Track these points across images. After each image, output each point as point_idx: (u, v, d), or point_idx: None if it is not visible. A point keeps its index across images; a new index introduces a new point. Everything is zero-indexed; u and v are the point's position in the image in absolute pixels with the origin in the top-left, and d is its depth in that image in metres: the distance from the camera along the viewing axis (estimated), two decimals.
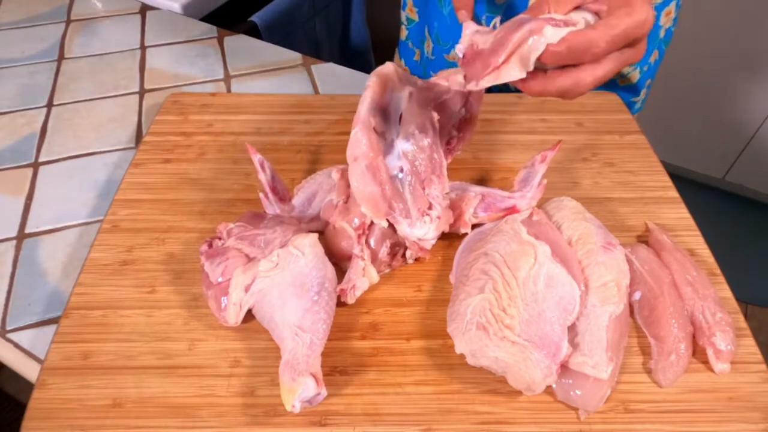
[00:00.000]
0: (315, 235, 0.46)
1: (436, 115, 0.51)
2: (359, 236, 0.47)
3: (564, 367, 0.41)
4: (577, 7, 0.40)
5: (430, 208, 0.48)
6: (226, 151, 0.61)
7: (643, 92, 0.79)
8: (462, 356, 0.41)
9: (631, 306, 0.47)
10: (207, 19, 0.96)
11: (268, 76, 0.78)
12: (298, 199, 0.53)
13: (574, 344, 0.42)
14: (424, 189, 0.48)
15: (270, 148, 0.61)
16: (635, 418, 0.41)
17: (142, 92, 0.76)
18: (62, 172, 0.64)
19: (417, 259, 0.51)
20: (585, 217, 0.50)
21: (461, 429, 0.41)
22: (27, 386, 0.44)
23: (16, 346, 0.49)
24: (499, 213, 0.51)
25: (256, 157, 0.52)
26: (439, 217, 0.48)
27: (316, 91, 0.75)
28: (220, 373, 0.43)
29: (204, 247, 0.48)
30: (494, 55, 0.38)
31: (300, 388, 0.38)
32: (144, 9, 0.92)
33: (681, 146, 1.71)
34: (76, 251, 0.56)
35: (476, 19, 0.70)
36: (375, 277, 0.47)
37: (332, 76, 0.78)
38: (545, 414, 0.41)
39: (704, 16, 1.46)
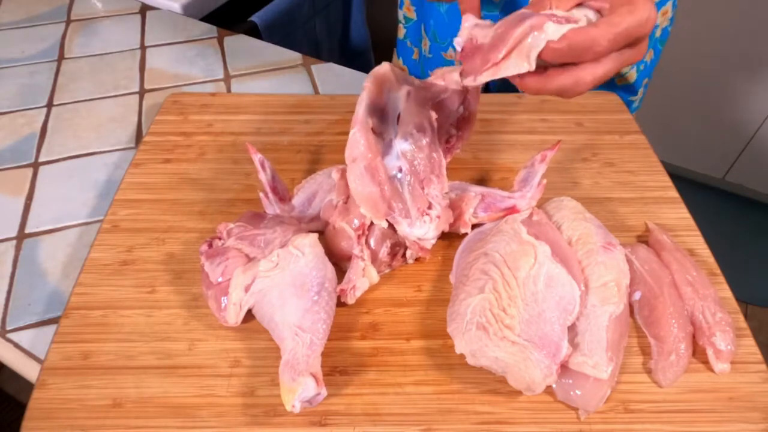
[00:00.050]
0: (315, 235, 0.46)
1: (434, 115, 0.51)
2: (359, 236, 0.47)
3: (564, 367, 0.41)
4: (579, 4, 0.39)
5: (429, 207, 0.48)
6: (226, 151, 0.61)
7: (640, 91, 0.79)
8: (462, 356, 0.41)
9: (631, 306, 0.47)
10: (207, 19, 0.96)
11: (268, 76, 0.78)
12: (298, 199, 0.53)
13: (574, 344, 0.42)
14: (423, 188, 0.48)
15: (270, 148, 0.61)
16: (635, 418, 0.41)
17: (142, 92, 0.76)
18: (62, 172, 0.64)
19: (417, 259, 0.51)
20: (585, 217, 0.50)
21: (461, 429, 0.41)
22: (27, 386, 0.44)
23: (16, 346, 0.49)
24: (499, 213, 0.51)
25: (257, 157, 0.52)
26: (438, 217, 0.48)
27: (316, 91, 0.75)
28: (220, 373, 0.43)
29: (204, 247, 0.48)
30: (494, 50, 0.38)
31: (300, 388, 0.38)
32: (144, 9, 0.92)
33: (681, 146, 1.71)
34: (76, 251, 0.56)
35: None
36: (375, 277, 0.47)
37: (332, 76, 0.78)
38: (545, 414, 0.41)
39: (704, 15, 1.46)
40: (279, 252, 0.44)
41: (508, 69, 0.38)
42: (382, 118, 0.49)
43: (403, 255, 0.49)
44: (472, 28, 0.41)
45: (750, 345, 0.45)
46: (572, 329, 0.43)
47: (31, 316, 0.51)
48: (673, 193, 0.57)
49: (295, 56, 0.82)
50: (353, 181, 0.46)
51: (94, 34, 0.87)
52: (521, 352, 0.40)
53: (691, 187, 1.73)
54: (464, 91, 0.53)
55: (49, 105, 0.73)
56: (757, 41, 1.45)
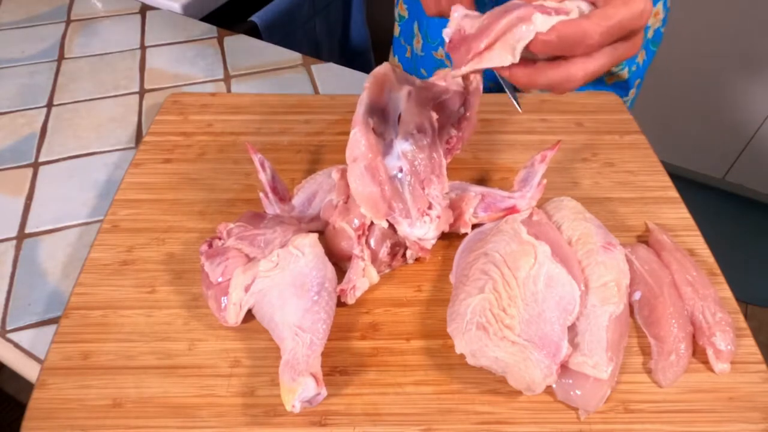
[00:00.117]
0: (315, 235, 0.46)
1: (435, 115, 0.51)
2: (359, 236, 0.47)
3: (564, 367, 0.41)
4: None
5: (429, 207, 0.48)
6: (226, 151, 0.61)
7: (632, 92, 0.78)
8: (462, 356, 0.41)
9: (631, 306, 0.47)
10: (207, 19, 0.96)
11: (268, 76, 0.78)
12: (298, 199, 0.53)
13: (574, 344, 0.42)
14: (423, 189, 0.48)
15: (270, 148, 0.61)
16: (635, 418, 0.41)
17: (142, 92, 0.76)
18: (62, 172, 0.64)
19: (417, 259, 0.51)
20: (585, 217, 0.50)
21: (461, 429, 0.41)
22: (27, 386, 0.44)
23: (16, 346, 0.49)
24: (499, 213, 0.51)
25: (257, 157, 0.52)
26: (438, 217, 0.48)
27: (316, 91, 0.75)
28: (220, 373, 0.43)
29: (204, 247, 0.48)
30: (477, 40, 0.37)
31: (300, 388, 0.38)
32: (144, 9, 0.92)
33: (681, 146, 1.71)
34: (76, 251, 0.56)
35: None
36: (375, 277, 0.48)
37: (332, 76, 0.78)
38: (545, 414, 0.41)
39: (704, 15, 1.46)
40: (279, 252, 0.44)
41: (492, 60, 0.36)
42: (383, 118, 0.49)
43: (403, 255, 0.49)
44: (461, 18, 0.39)
45: (750, 345, 0.45)
46: (572, 329, 0.43)
47: (31, 316, 0.51)
48: (673, 193, 0.57)
49: (295, 56, 0.82)
50: (354, 181, 0.46)
51: (94, 34, 0.87)
52: (521, 352, 0.40)
53: (691, 187, 1.74)
54: (465, 92, 0.53)
55: (49, 105, 0.73)
56: (757, 41, 1.45)
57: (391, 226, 0.47)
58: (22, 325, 0.50)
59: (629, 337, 0.45)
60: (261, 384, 0.43)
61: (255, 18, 1.06)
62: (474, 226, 0.51)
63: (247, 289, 0.44)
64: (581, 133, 0.63)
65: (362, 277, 0.47)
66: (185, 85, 0.77)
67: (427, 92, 0.52)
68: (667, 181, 0.58)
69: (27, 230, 0.58)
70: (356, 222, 0.47)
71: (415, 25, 0.80)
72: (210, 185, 0.58)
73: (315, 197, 0.53)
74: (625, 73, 0.75)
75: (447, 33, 0.40)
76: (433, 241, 0.49)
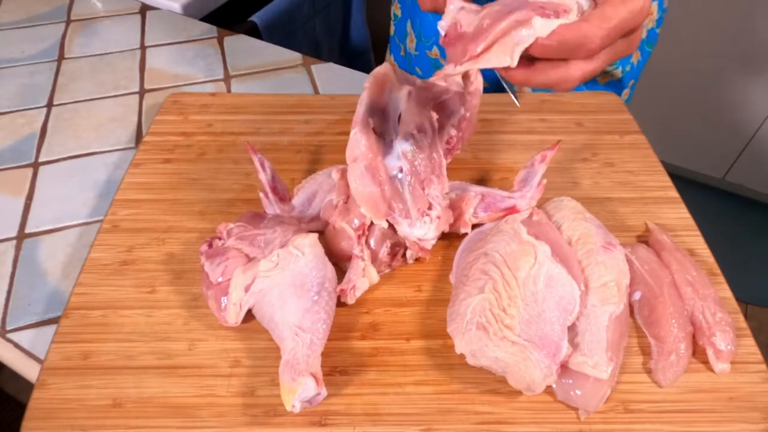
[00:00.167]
0: (315, 235, 0.46)
1: (435, 115, 0.51)
2: (359, 237, 0.47)
3: (564, 367, 0.41)
4: None
5: (429, 208, 0.48)
6: (226, 151, 0.61)
7: (626, 92, 0.78)
8: (462, 356, 0.41)
9: (631, 306, 0.47)
10: (207, 19, 0.96)
11: (268, 76, 0.78)
12: (298, 199, 0.53)
13: (574, 344, 0.42)
14: (423, 189, 0.48)
15: (270, 148, 0.61)
16: (635, 418, 0.41)
17: (142, 92, 0.76)
18: (62, 172, 0.64)
19: (417, 259, 0.51)
20: (585, 217, 0.50)
21: (461, 429, 0.41)
22: (27, 386, 0.44)
23: (16, 346, 0.49)
24: (499, 213, 0.51)
25: (257, 157, 0.52)
26: (438, 217, 0.48)
27: (316, 91, 0.75)
28: (220, 373, 0.43)
29: (204, 247, 0.48)
30: (474, 42, 0.36)
31: (300, 388, 0.38)
32: (144, 9, 0.92)
33: (681, 146, 1.71)
34: (76, 251, 0.56)
35: None
36: (375, 277, 0.48)
37: (332, 76, 0.78)
38: (545, 414, 0.41)
39: (704, 15, 1.46)
40: (279, 252, 0.44)
41: (489, 62, 0.36)
42: (383, 118, 0.49)
43: (403, 255, 0.49)
44: (457, 11, 0.38)
45: (750, 345, 0.45)
46: (572, 329, 0.43)
47: (31, 316, 0.51)
48: (673, 193, 0.57)
49: (295, 56, 0.82)
50: (354, 181, 0.46)
51: (94, 34, 0.87)
52: (521, 352, 0.40)
53: (691, 187, 1.74)
54: (465, 92, 0.53)
55: (49, 105, 0.73)
56: (756, 41, 1.45)
57: (391, 226, 0.47)
58: (22, 325, 0.50)
59: (629, 337, 0.45)
60: (261, 384, 0.43)
61: (255, 18, 1.06)
62: (474, 226, 0.51)
63: (247, 289, 0.44)
64: (581, 133, 0.63)
65: (362, 277, 0.47)
66: (185, 85, 0.77)
67: (427, 92, 0.52)
68: (667, 181, 0.58)
69: (27, 230, 0.58)
70: (356, 222, 0.47)
71: (408, 24, 0.80)
72: (210, 185, 0.58)
73: (315, 197, 0.53)
74: (618, 72, 0.75)
75: (442, 26, 0.39)
76: (433, 242, 0.49)
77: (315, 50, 1.27)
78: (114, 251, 0.51)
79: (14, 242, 0.57)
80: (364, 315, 0.47)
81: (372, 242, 0.48)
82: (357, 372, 0.43)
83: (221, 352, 0.44)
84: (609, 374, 0.41)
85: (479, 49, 0.36)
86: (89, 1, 0.94)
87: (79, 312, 0.47)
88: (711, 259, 0.51)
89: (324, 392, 0.39)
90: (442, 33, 0.38)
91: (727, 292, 0.49)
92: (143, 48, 0.84)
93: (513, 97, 0.62)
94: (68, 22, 0.89)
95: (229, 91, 0.76)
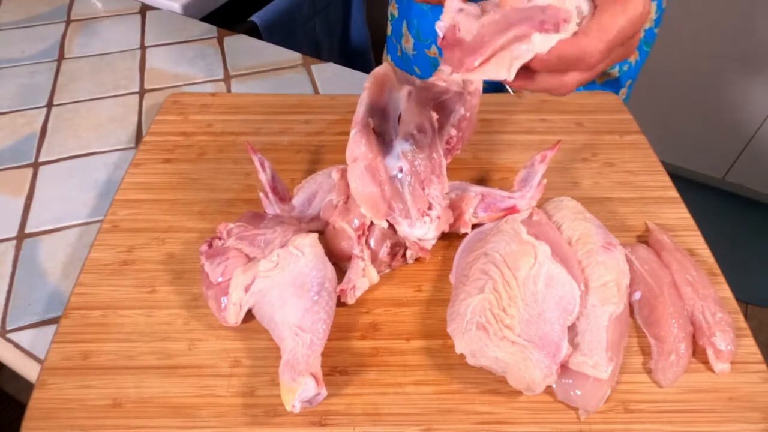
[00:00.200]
0: (315, 235, 0.46)
1: (435, 115, 0.51)
2: (359, 236, 0.47)
3: (564, 367, 0.41)
4: None
5: (429, 208, 0.48)
6: (226, 151, 0.61)
7: (623, 92, 0.78)
8: (462, 356, 0.41)
9: (631, 306, 0.47)
10: (207, 19, 0.96)
11: (268, 76, 0.78)
12: (298, 199, 0.53)
13: (574, 344, 0.42)
14: (423, 189, 0.48)
15: (270, 148, 0.61)
16: (635, 418, 0.41)
17: (142, 92, 0.76)
18: (62, 172, 0.64)
19: (417, 259, 0.51)
20: (585, 217, 0.50)
21: (461, 429, 0.41)
22: (27, 386, 0.44)
23: (16, 346, 0.49)
24: (499, 213, 0.51)
25: (257, 157, 0.52)
26: (438, 217, 0.48)
27: (316, 91, 0.75)
28: (220, 373, 0.43)
29: (204, 247, 0.48)
30: (472, 55, 0.36)
31: (300, 388, 0.38)
32: (144, 9, 0.92)
33: (681, 146, 1.71)
34: (76, 251, 0.56)
35: None
36: (375, 277, 0.48)
37: (332, 76, 0.78)
38: (545, 414, 0.41)
39: (705, 15, 1.46)
40: (279, 252, 0.44)
41: (486, 74, 0.36)
42: (383, 118, 0.49)
43: (403, 255, 0.49)
44: (455, 13, 0.37)
45: (750, 345, 0.45)
46: (572, 329, 0.43)
47: (31, 316, 0.51)
48: (673, 193, 0.57)
49: (295, 56, 0.82)
50: (354, 181, 0.46)
51: (94, 34, 0.87)
52: (521, 352, 0.40)
53: (691, 187, 1.73)
54: (465, 92, 0.53)
55: (49, 105, 0.73)
56: (756, 41, 1.45)
57: (391, 226, 0.47)
58: (22, 325, 0.50)
59: (629, 337, 0.45)
60: (261, 384, 0.43)
61: (255, 18, 1.06)
62: (474, 226, 0.51)
63: (247, 289, 0.44)
64: (581, 133, 0.63)
65: (362, 277, 0.47)
66: (185, 85, 0.77)
67: (427, 92, 0.52)
68: (667, 181, 0.58)
69: (27, 230, 0.58)
70: (356, 222, 0.47)
71: (404, 25, 0.80)
72: (210, 185, 0.58)
73: (315, 197, 0.53)
74: (616, 72, 0.75)
75: (440, 27, 0.38)
76: (433, 242, 0.49)
77: (315, 50, 1.27)
78: (114, 251, 0.51)
79: (14, 242, 0.57)
80: (364, 315, 0.47)
81: (372, 242, 0.48)
82: (357, 372, 0.43)
83: (221, 352, 0.44)
84: (609, 374, 0.41)
85: (476, 63, 0.36)
86: (89, 1, 0.94)
87: (79, 312, 0.47)
88: (711, 259, 0.51)
89: (324, 392, 0.39)
90: (440, 34, 0.38)
91: (727, 292, 0.49)
92: (143, 48, 0.84)
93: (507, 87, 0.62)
94: (68, 22, 0.89)
95: (229, 91, 0.76)
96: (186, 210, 0.55)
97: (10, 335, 0.50)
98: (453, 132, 0.55)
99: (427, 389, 0.42)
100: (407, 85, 0.51)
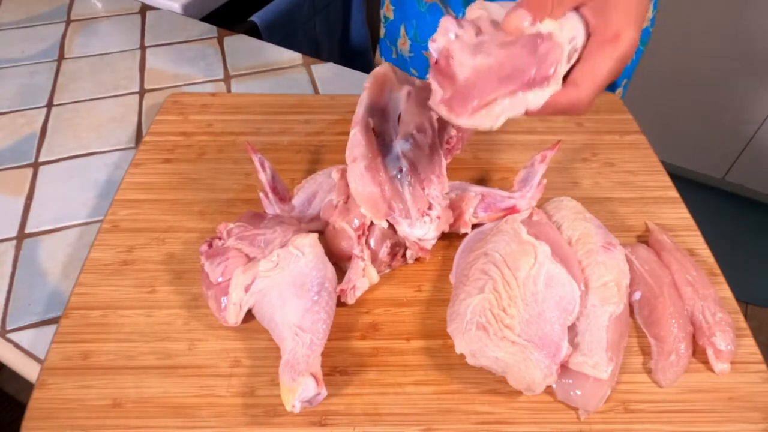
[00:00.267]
0: (315, 235, 0.46)
1: (435, 115, 0.51)
2: (359, 237, 0.47)
3: (564, 367, 0.41)
4: (576, 7, 0.38)
5: (429, 208, 0.48)
6: (226, 151, 0.61)
7: (619, 91, 0.79)
8: (462, 356, 0.41)
9: (631, 306, 0.47)
10: (207, 19, 0.96)
11: (268, 76, 0.78)
12: (298, 199, 0.53)
13: (574, 344, 0.42)
14: (423, 189, 0.48)
15: (270, 148, 0.61)
16: (635, 418, 0.41)
17: (142, 92, 0.76)
18: (62, 172, 0.64)
19: (417, 259, 0.51)
20: (585, 217, 0.50)
21: (461, 429, 0.41)
22: (27, 386, 0.44)
23: (16, 346, 0.49)
24: (499, 213, 0.51)
25: (257, 157, 0.52)
26: (438, 217, 0.48)
27: (316, 91, 0.75)
28: (220, 373, 0.43)
29: (204, 247, 0.48)
30: (462, 102, 0.36)
31: (300, 388, 0.38)
32: (144, 9, 0.92)
33: (681, 146, 1.71)
34: (76, 251, 0.56)
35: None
36: (375, 277, 0.48)
37: (332, 76, 0.78)
38: (545, 414, 0.41)
39: (705, 15, 1.46)
40: (279, 252, 0.44)
41: (472, 123, 0.36)
42: (383, 118, 0.49)
43: (403, 255, 0.49)
44: (449, 42, 0.37)
45: (750, 345, 0.45)
46: (572, 329, 0.43)
47: (31, 316, 0.51)
48: (673, 193, 0.57)
49: (295, 56, 0.82)
50: (353, 181, 0.46)
51: (94, 34, 0.87)
52: (521, 352, 0.40)
53: (691, 187, 1.73)
54: None
55: (49, 105, 0.73)
56: (756, 41, 1.45)
57: (391, 226, 0.47)
58: (22, 325, 0.50)
59: (629, 337, 0.45)
60: (261, 384, 0.43)
61: (255, 18, 1.06)
62: (474, 226, 0.51)
63: (247, 289, 0.44)
64: (581, 133, 0.63)
65: (362, 277, 0.47)
66: (185, 85, 0.77)
67: (426, 92, 0.51)
68: (667, 181, 0.58)
69: (27, 230, 0.58)
70: (356, 222, 0.47)
71: (402, 28, 0.80)
72: (210, 185, 0.58)
73: (315, 197, 0.53)
74: None
75: (434, 48, 0.38)
76: (433, 242, 0.49)
77: (315, 50, 1.26)
78: (114, 251, 0.51)
79: (14, 242, 0.57)
80: (364, 315, 0.47)
81: (372, 242, 0.48)
82: (357, 372, 0.43)
83: (221, 352, 0.44)
84: (609, 374, 0.41)
85: (466, 114, 0.36)
86: (89, 1, 0.94)
87: (79, 312, 0.47)
88: (711, 259, 0.51)
89: (324, 392, 0.39)
90: (434, 55, 0.37)
91: (727, 292, 0.49)
92: (143, 48, 0.84)
93: None
94: (68, 22, 0.89)
95: (229, 91, 0.76)
96: (186, 210, 0.55)
97: (10, 335, 0.50)
98: (453, 132, 0.55)
99: (427, 389, 0.42)
100: (407, 85, 0.51)
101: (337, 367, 0.44)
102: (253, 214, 0.50)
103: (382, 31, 0.86)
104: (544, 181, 0.52)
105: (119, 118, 0.71)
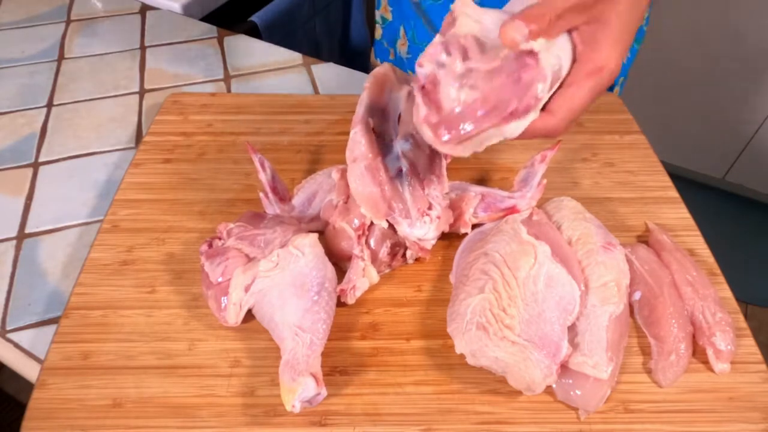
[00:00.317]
0: (315, 235, 0.46)
1: None
2: (359, 237, 0.47)
3: (564, 367, 0.41)
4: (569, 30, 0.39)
5: (429, 208, 0.48)
6: (226, 151, 0.61)
7: (615, 90, 0.79)
8: (462, 356, 0.41)
9: (631, 306, 0.47)
10: (207, 19, 0.96)
11: (268, 76, 0.78)
12: (298, 199, 0.53)
13: (574, 344, 0.42)
14: (423, 189, 0.48)
15: (270, 148, 0.61)
16: (635, 418, 0.41)
17: (142, 92, 0.76)
18: (62, 172, 0.64)
19: (417, 259, 0.51)
20: (585, 217, 0.50)
21: (461, 429, 0.41)
22: (27, 386, 0.44)
23: (16, 346, 0.49)
24: (499, 213, 0.51)
25: (257, 157, 0.52)
26: (438, 217, 0.48)
27: (316, 91, 0.75)
28: (220, 373, 0.43)
29: (204, 247, 0.48)
30: (447, 131, 0.37)
31: (300, 388, 0.38)
32: (144, 9, 0.92)
33: (681, 146, 1.71)
34: (76, 251, 0.56)
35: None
36: (375, 277, 0.47)
37: (332, 76, 0.78)
38: (545, 414, 0.41)
39: (705, 15, 1.46)
40: (279, 252, 0.44)
41: (454, 152, 0.38)
42: (383, 118, 0.49)
43: (403, 255, 0.49)
44: (437, 67, 0.38)
45: (750, 345, 0.45)
46: (572, 329, 0.43)
47: (31, 316, 0.51)
48: (673, 193, 0.57)
49: (295, 56, 0.82)
50: (353, 181, 0.46)
51: (94, 34, 0.87)
52: (521, 352, 0.40)
53: (691, 187, 1.73)
54: None
55: (49, 105, 0.73)
56: (756, 41, 1.45)
57: (391, 226, 0.47)
58: (22, 325, 0.50)
59: (629, 337, 0.45)
60: (261, 384, 0.43)
61: (255, 18, 1.06)
62: (474, 226, 0.51)
63: (247, 289, 0.44)
64: (581, 133, 0.63)
65: (362, 277, 0.47)
66: (185, 85, 0.77)
67: None
68: (667, 181, 0.58)
69: (27, 230, 0.58)
70: (356, 222, 0.47)
71: (401, 29, 0.81)
72: (210, 185, 0.58)
73: (315, 197, 0.53)
74: None
75: (420, 73, 0.38)
76: (433, 242, 0.49)
77: (315, 50, 1.26)
78: (114, 251, 0.51)
79: (14, 242, 0.57)
80: (364, 315, 0.47)
81: (372, 242, 0.48)
82: (357, 372, 0.43)
83: (221, 352, 0.44)
84: (609, 374, 0.41)
85: (449, 145, 0.37)
86: (89, 1, 0.94)
87: (79, 312, 0.47)
88: (711, 259, 0.51)
89: (324, 392, 0.39)
90: (421, 79, 0.38)
91: (727, 292, 0.49)
92: (143, 48, 0.84)
93: None
94: (68, 22, 0.89)
95: (229, 91, 0.76)
96: (186, 210, 0.55)
97: (10, 335, 0.50)
98: None
99: (427, 389, 0.42)
100: (407, 85, 0.51)
101: (337, 367, 0.44)
102: (253, 214, 0.50)
103: (378, 32, 0.86)
104: (544, 181, 0.52)
105: (119, 118, 0.71)
